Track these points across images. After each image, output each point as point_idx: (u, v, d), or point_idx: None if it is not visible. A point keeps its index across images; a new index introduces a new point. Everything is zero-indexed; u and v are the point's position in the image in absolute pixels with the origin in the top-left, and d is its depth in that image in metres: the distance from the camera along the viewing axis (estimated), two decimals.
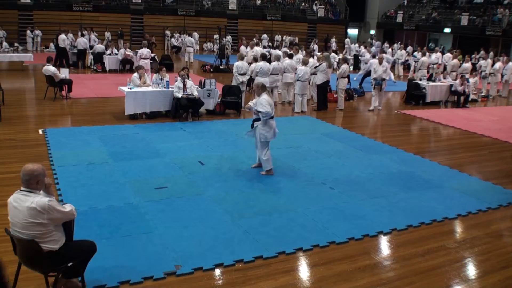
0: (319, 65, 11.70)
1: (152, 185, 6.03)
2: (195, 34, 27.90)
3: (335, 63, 16.62)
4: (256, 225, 5.01)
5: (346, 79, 12.28)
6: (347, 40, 28.41)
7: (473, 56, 21.40)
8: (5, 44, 18.87)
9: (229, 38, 24.90)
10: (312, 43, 25.94)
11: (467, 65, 16.06)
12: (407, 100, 13.91)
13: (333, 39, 28.50)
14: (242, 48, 17.67)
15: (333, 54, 17.25)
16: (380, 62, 11.99)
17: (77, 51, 18.24)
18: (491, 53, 17.57)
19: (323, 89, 11.89)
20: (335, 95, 12.67)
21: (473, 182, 6.81)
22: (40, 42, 24.28)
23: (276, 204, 5.65)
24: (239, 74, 11.31)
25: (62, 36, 17.68)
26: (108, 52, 17.72)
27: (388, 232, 5.04)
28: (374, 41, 26.40)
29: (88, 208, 5.23)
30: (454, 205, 5.84)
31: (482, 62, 17.27)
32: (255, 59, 12.10)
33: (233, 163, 7.12)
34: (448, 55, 18.27)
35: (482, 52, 22.13)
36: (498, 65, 15.67)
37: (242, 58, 11.85)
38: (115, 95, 11.92)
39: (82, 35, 18.38)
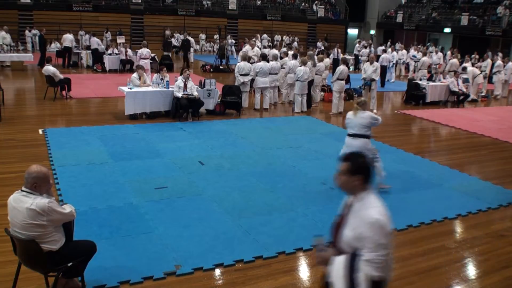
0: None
1: (152, 185, 6.03)
2: (201, 36, 28.16)
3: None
4: (256, 225, 5.01)
5: (343, 82, 11.60)
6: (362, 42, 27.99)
7: (473, 56, 21.38)
8: (5, 45, 18.83)
9: (231, 41, 24.92)
10: (319, 42, 26.27)
11: (467, 65, 16.04)
12: (407, 100, 13.91)
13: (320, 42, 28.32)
14: (247, 48, 17.55)
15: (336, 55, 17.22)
16: (371, 63, 11.90)
17: (63, 48, 18.14)
18: (499, 54, 17.52)
19: (308, 88, 11.82)
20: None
21: (473, 182, 6.81)
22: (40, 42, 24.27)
23: (276, 204, 5.65)
24: (241, 75, 11.31)
25: (69, 36, 17.75)
26: (109, 52, 17.73)
27: None
28: (365, 41, 26.30)
29: (88, 208, 5.23)
30: (454, 205, 5.84)
31: (482, 62, 17.31)
32: (259, 60, 12.05)
33: (233, 163, 7.12)
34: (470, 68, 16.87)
35: (490, 53, 22.09)
36: (498, 63, 15.73)
37: (244, 59, 11.82)
38: (115, 95, 11.93)
39: (79, 35, 18.43)
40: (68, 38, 17.71)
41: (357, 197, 2.50)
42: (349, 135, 6.11)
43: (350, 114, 6.13)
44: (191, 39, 21.58)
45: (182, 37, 24.63)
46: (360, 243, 2.36)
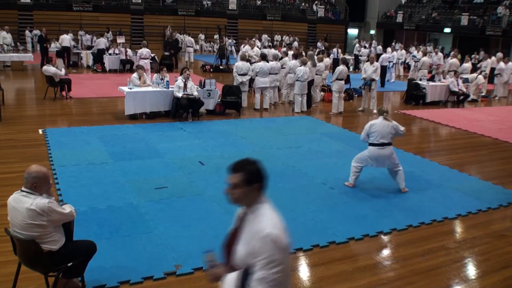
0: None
1: (152, 185, 6.03)
2: (200, 36, 28.13)
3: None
4: None
5: (342, 82, 11.57)
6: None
7: (473, 56, 21.39)
8: (5, 45, 18.85)
9: (230, 41, 24.92)
10: (319, 42, 26.29)
11: (467, 65, 16.05)
12: (407, 100, 13.91)
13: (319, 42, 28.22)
14: (247, 47, 17.51)
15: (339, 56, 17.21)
16: (371, 63, 11.89)
17: (62, 48, 18.12)
18: (497, 55, 17.49)
19: (308, 88, 11.80)
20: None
21: (473, 182, 6.81)
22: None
23: (276, 204, 5.60)
24: (239, 75, 11.31)
25: (67, 37, 17.75)
26: (109, 52, 17.73)
27: (388, 232, 5.04)
28: (365, 42, 26.25)
29: (88, 208, 5.23)
30: (454, 205, 5.84)
31: (482, 62, 17.31)
32: (259, 60, 12.04)
33: None
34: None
35: (482, 53, 22.13)
36: (500, 65, 15.72)
37: (243, 59, 11.82)
38: (115, 95, 11.93)
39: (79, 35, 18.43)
40: (66, 39, 17.66)
41: (250, 209, 2.24)
42: (375, 144, 5.94)
43: (377, 124, 5.94)
44: (191, 39, 21.56)
45: (182, 37, 24.71)
46: (253, 260, 2.10)
